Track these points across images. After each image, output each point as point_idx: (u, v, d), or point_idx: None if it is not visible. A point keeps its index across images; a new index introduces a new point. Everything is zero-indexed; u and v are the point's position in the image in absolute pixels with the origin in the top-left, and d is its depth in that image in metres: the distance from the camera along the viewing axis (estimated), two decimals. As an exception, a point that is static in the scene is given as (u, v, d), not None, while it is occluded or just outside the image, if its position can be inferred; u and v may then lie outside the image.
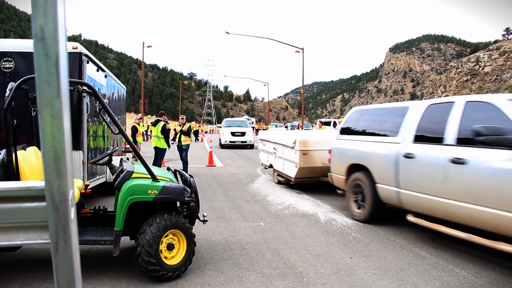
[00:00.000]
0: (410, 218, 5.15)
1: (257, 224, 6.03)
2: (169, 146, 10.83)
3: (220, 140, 24.45)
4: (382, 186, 5.63)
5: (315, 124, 43.58)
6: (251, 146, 23.63)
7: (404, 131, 5.36)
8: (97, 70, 7.25)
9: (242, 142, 23.34)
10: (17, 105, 4.34)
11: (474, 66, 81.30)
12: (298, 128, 28.90)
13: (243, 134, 23.36)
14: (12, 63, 6.17)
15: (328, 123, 31.09)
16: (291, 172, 8.55)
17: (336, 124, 26.89)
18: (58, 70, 0.93)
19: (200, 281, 3.78)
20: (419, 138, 5.08)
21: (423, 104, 5.31)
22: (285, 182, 9.39)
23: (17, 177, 3.82)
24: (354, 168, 6.31)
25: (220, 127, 28.41)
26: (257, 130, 45.98)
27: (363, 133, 6.40)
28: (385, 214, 6.10)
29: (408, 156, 5.08)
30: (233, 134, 23.29)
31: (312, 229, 5.77)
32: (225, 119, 27.36)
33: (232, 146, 23.38)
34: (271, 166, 10.31)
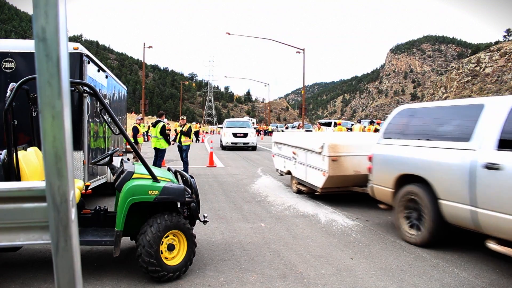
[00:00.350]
0: (493, 245, 4.07)
1: (257, 225, 6.02)
2: (169, 143, 10.93)
3: (221, 141, 23.47)
4: (448, 203, 4.54)
5: (315, 125, 43.53)
6: (254, 148, 22.78)
7: (481, 135, 4.31)
8: (98, 71, 7.26)
9: (244, 143, 22.32)
10: (18, 106, 4.34)
11: (475, 67, 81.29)
12: (298, 128, 28.63)
13: (245, 135, 22.34)
14: (13, 63, 6.18)
15: (328, 124, 31.05)
16: (317, 181, 7.38)
17: (336, 125, 26.60)
18: (59, 70, 0.93)
19: (201, 281, 3.78)
20: (506, 144, 4.02)
21: (506, 101, 4.32)
22: (308, 192, 8.11)
23: (17, 178, 3.83)
24: (407, 179, 5.22)
25: (221, 127, 27.78)
26: (258, 131, 45.99)
27: (417, 136, 5.26)
28: (448, 237, 5.16)
29: (490, 166, 4.02)
30: (235, 135, 22.33)
31: (313, 230, 5.77)
32: (226, 119, 26.44)
33: (234, 147, 22.49)
34: (289, 172, 9.08)
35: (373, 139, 7.06)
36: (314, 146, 7.43)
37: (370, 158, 5.99)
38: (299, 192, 8.53)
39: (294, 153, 8.63)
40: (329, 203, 7.58)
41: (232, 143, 22.30)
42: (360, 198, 7.71)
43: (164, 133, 10.66)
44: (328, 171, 6.97)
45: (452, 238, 5.31)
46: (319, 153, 7.23)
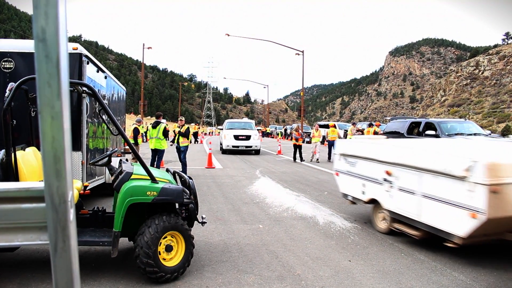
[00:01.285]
0: None
1: (255, 226, 6.02)
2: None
3: (221, 144, 21.20)
4: None
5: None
6: (257, 152, 20.85)
7: None
8: (97, 71, 7.26)
9: (246, 147, 20.34)
10: (17, 106, 4.34)
11: (473, 70, 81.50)
12: (296, 131, 27.59)
13: (248, 137, 20.42)
14: (12, 63, 6.17)
15: (327, 126, 30.89)
16: (455, 225, 4.37)
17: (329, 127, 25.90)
18: (59, 71, 0.93)
19: (198, 283, 3.78)
20: None
21: None
22: (423, 238, 5.03)
23: (16, 178, 3.82)
24: None
25: (221, 129, 24.98)
26: (257, 132, 45.67)
27: None
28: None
29: None
30: (236, 137, 20.36)
31: (311, 232, 5.77)
32: (227, 120, 24.49)
33: (235, 151, 20.54)
34: (372, 201, 6.03)
35: None
36: (449, 165, 4.43)
37: None
38: (393, 233, 5.61)
39: (388, 173, 5.59)
40: (327, 205, 7.58)
41: (233, 146, 20.27)
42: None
43: (166, 134, 10.96)
44: (486, 210, 4.01)
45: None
46: (462, 177, 4.25)
